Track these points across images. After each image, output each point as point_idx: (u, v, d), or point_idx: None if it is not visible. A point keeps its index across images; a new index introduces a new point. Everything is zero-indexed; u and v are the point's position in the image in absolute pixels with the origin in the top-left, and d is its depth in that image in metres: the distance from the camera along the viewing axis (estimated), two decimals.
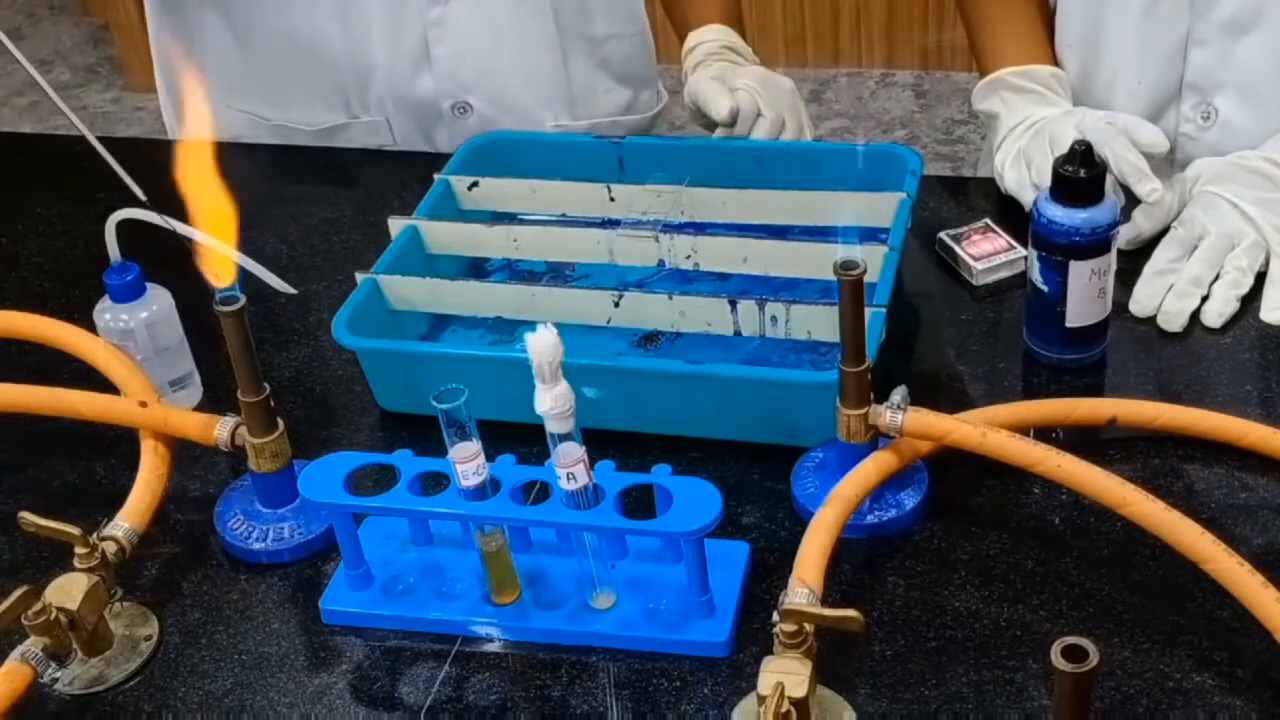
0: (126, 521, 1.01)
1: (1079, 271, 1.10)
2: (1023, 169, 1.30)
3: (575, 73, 1.53)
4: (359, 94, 1.51)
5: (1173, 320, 1.18)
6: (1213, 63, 1.31)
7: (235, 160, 1.58)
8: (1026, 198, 1.29)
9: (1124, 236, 1.21)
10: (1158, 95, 1.35)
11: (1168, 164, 1.35)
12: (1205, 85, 1.33)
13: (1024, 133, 1.33)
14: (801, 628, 0.85)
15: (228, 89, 1.55)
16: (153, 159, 1.68)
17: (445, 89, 1.49)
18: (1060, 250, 1.10)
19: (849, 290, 0.94)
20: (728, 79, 1.38)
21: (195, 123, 1.28)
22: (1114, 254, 1.11)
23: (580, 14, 1.51)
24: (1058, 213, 1.10)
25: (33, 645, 0.93)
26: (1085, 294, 1.12)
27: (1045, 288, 1.13)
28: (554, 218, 1.30)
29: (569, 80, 1.53)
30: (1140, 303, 1.20)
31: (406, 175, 1.45)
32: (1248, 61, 1.30)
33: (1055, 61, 1.38)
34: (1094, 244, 1.09)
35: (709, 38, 1.47)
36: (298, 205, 1.46)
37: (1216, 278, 1.20)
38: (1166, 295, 1.19)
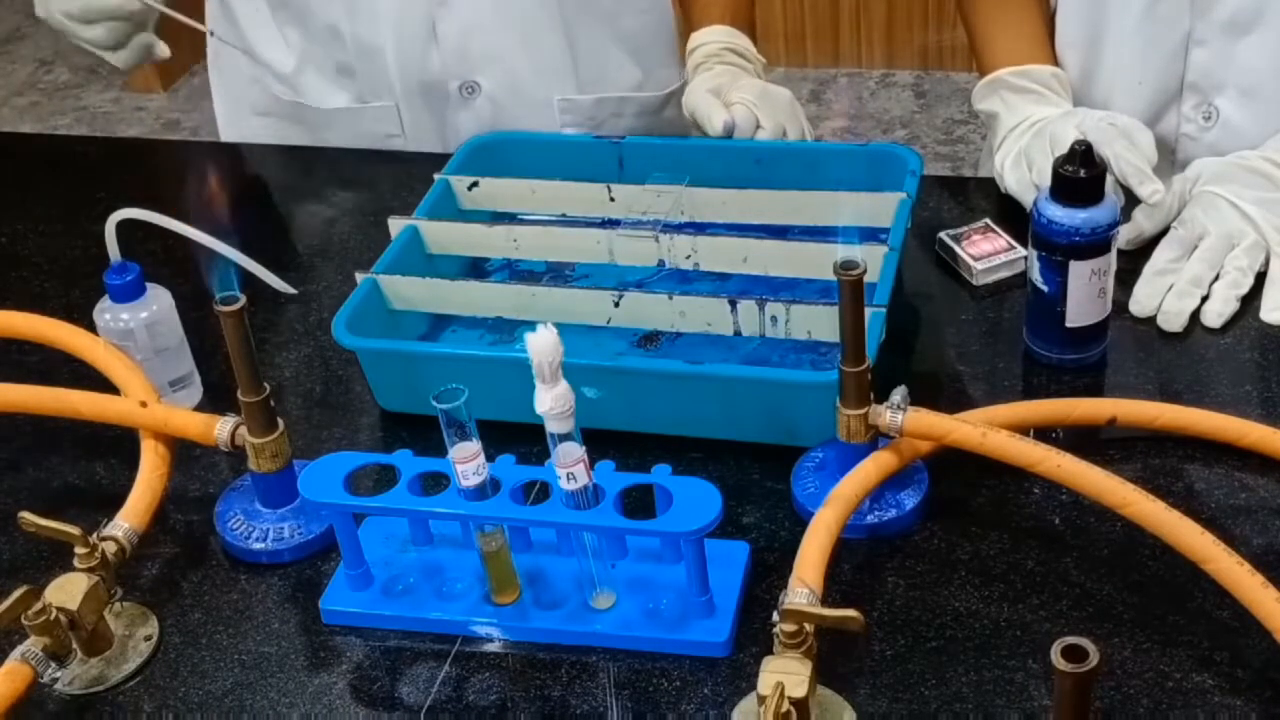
0: (126, 521, 1.01)
1: (1079, 271, 1.10)
2: (1023, 169, 1.30)
3: (584, 47, 1.52)
4: (369, 77, 1.51)
5: (1173, 320, 1.18)
6: (1213, 63, 1.31)
7: (237, 160, 1.59)
8: (1028, 198, 1.29)
9: (1124, 236, 1.21)
10: (1158, 95, 1.35)
11: (1168, 164, 1.35)
12: (1206, 85, 1.33)
13: (1024, 133, 1.33)
14: (801, 628, 0.85)
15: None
16: (153, 159, 1.69)
17: (453, 69, 1.49)
18: (1060, 250, 1.10)
19: (849, 290, 0.94)
20: (724, 91, 1.38)
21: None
22: (1114, 254, 1.11)
23: None
24: (1058, 213, 1.10)
25: (33, 645, 0.93)
26: (1085, 294, 1.12)
27: (1045, 288, 1.13)
28: (554, 218, 1.30)
29: (577, 54, 1.52)
30: (1140, 303, 1.20)
31: (407, 175, 1.45)
32: (1248, 62, 1.30)
33: (1055, 61, 1.38)
34: (1094, 244, 1.09)
35: (711, 39, 1.46)
36: (298, 205, 1.46)
37: (1216, 278, 1.20)
38: (1166, 295, 1.19)
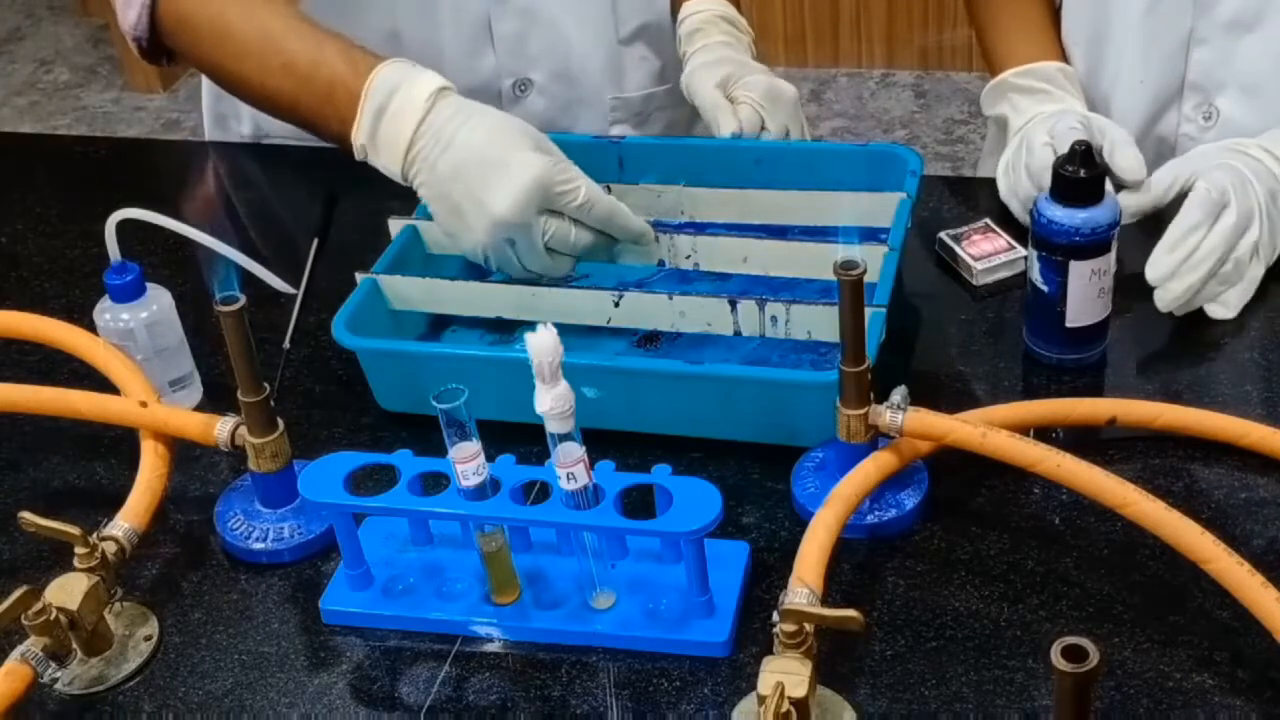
0: (126, 521, 1.01)
1: (1079, 271, 1.10)
2: (1008, 177, 1.30)
3: (625, 43, 1.52)
4: None
5: (1174, 302, 1.15)
6: (1214, 62, 1.31)
7: (237, 160, 1.59)
8: (1012, 205, 1.29)
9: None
10: (1159, 94, 1.35)
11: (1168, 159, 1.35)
12: (1207, 85, 1.33)
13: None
14: (801, 628, 0.85)
15: None
16: (152, 159, 1.69)
17: (508, 66, 1.48)
18: (1060, 250, 1.10)
19: (849, 290, 0.94)
20: (730, 85, 1.37)
21: None
22: (1114, 254, 1.11)
23: None
24: (1058, 213, 1.10)
25: (33, 645, 0.93)
26: (1085, 294, 1.12)
27: (1045, 288, 1.13)
28: None
29: (624, 48, 1.52)
30: (1157, 270, 1.14)
31: None
32: (1249, 61, 1.30)
33: (1062, 56, 1.38)
34: (1094, 244, 1.09)
35: (702, 8, 1.46)
36: (298, 205, 1.46)
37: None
38: (1177, 276, 1.15)
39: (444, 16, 1.45)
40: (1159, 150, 1.36)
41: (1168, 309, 1.16)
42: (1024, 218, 1.26)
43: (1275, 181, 1.21)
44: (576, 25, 1.48)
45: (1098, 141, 1.20)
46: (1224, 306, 1.18)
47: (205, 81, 1.60)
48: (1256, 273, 1.19)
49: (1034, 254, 1.13)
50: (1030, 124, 1.30)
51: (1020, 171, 1.27)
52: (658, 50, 1.56)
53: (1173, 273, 1.15)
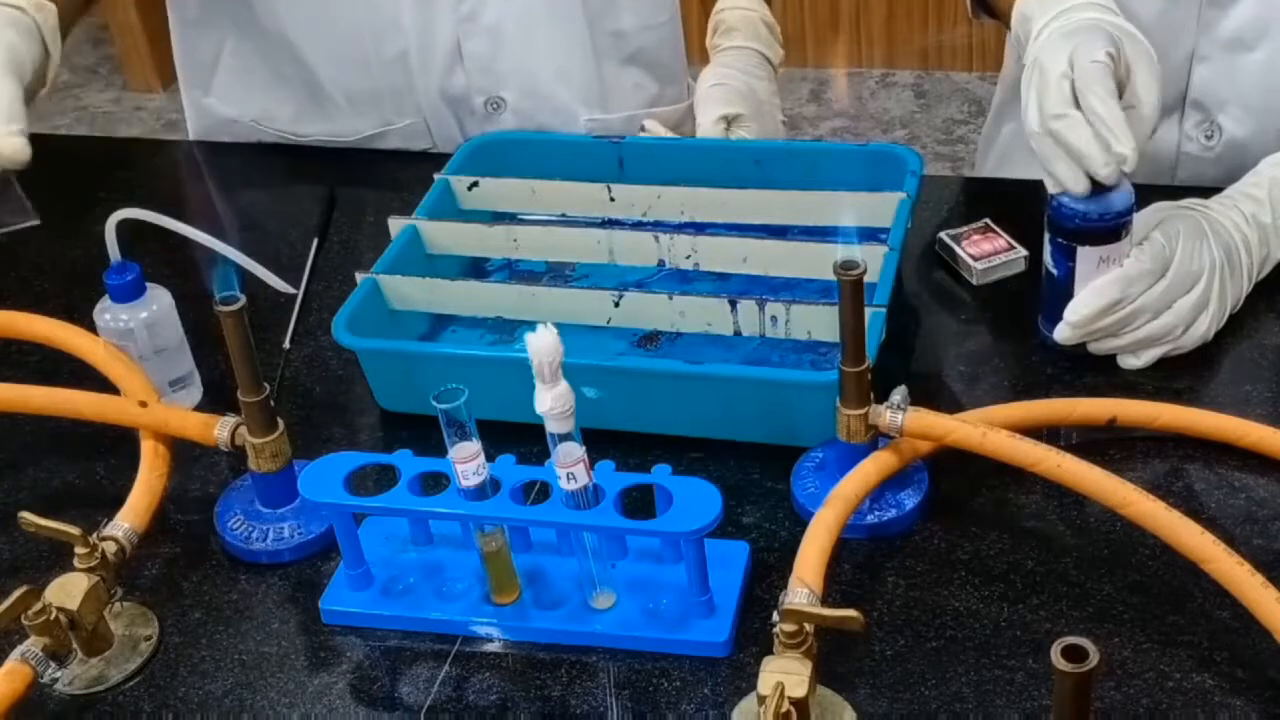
0: (126, 521, 1.01)
1: (1087, 257, 1.10)
2: (1023, 95, 1.12)
3: (605, 66, 1.52)
4: (394, 98, 1.50)
5: (1068, 340, 1.13)
6: (1216, 79, 1.30)
7: (237, 160, 1.59)
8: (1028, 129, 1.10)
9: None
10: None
11: (1168, 181, 1.34)
12: (1209, 103, 1.31)
13: (1050, 36, 1.12)
14: (801, 628, 0.85)
15: (255, 112, 1.55)
16: (152, 159, 1.69)
17: (478, 84, 1.49)
18: (1070, 235, 1.10)
19: (849, 290, 0.94)
20: (732, 125, 1.36)
21: None
22: (1126, 243, 1.10)
23: (609, 6, 1.50)
24: (1069, 197, 1.09)
25: (33, 645, 0.93)
26: (1094, 280, 1.11)
27: (1056, 271, 1.12)
28: (554, 218, 1.30)
29: (600, 74, 1.52)
30: (1077, 312, 1.11)
31: (406, 175, 1.45)
32: (1251, 79, 1.29)
33: None
34: (1104, 230, 1.09)
35: (738, 3, 1.45)
36: (298, 205, 1.46)
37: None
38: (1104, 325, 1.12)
39: (411, 35, 1.45)
40: (1159, 167, 1.35)
41: (1063, 342, 1.13)
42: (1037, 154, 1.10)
43: (1232, 239, 1.15)
44: (547, 46, 1.48)
45: (1122, 76, 1.08)
46: (1136, 358, 1.14)
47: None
48: (1200, 330, 1.13)
49: (1047, 238, 1.12)
50: (1049, 33, 1.11)
51: (1030, 98, 1.09)
52: (656, 75, 1.57)
53: (1091, 316, 1.11)
